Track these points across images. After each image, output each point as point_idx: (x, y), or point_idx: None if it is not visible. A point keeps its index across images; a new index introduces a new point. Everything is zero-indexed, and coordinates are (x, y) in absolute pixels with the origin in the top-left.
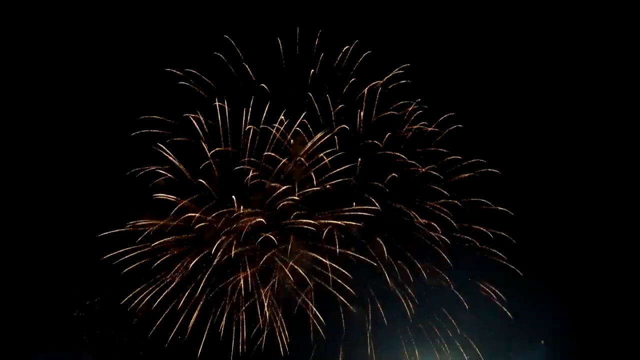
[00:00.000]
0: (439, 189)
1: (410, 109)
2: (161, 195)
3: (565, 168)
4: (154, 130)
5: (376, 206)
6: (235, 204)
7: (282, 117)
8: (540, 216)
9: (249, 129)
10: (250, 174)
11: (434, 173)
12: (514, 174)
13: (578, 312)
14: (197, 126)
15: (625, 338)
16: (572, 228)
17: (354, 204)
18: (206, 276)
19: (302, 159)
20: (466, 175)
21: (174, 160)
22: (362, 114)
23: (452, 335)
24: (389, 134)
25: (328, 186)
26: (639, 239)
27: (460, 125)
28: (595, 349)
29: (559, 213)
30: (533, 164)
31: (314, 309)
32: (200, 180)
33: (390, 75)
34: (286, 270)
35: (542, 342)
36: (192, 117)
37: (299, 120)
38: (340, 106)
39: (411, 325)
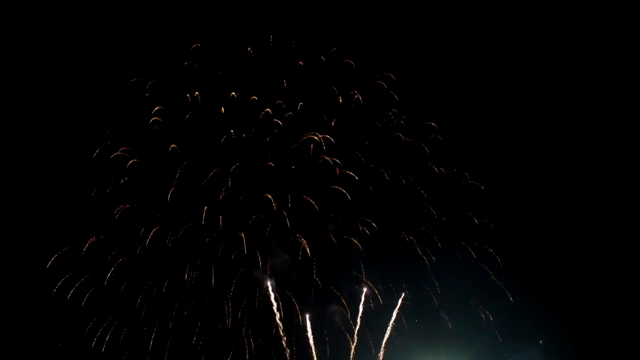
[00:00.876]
0: (424, 202)
1: (386, 119)
2: (126, 206)
3: (554, 169)
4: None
5: (356, 219)
6: (204, 217)
7: (254, 129)
8: (538, 217)
9: (224, 139)
10: (226, 186)
11: (414, 184)
12: (497, 185)
13: (575, 312)
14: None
15: (621, 337)
16: (569, 229)
17: (332, 215)
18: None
19: (273, 165)
20: (448, 186)
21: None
22: (335, 122)
23: (451, 336)
24: (366, 142)
25: (306, 197)
26: (634, 240)
27: (440, 137)
28: (593, 348)
29: (555, 214)
30: (520, 172)
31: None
32: (174, 186)
33: (369, 85)
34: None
35: (540, 341)
36: (162, 123)
37: (274, 130)
38: (320, 115)
39: (406, 333)
